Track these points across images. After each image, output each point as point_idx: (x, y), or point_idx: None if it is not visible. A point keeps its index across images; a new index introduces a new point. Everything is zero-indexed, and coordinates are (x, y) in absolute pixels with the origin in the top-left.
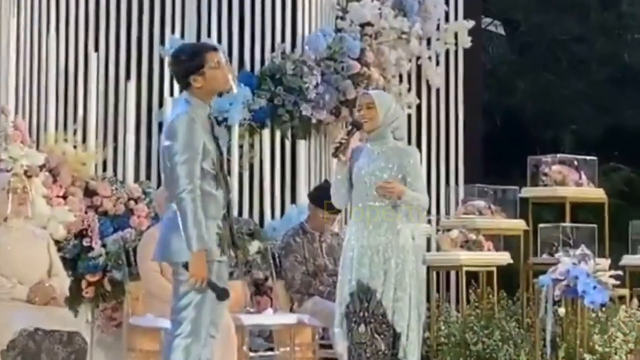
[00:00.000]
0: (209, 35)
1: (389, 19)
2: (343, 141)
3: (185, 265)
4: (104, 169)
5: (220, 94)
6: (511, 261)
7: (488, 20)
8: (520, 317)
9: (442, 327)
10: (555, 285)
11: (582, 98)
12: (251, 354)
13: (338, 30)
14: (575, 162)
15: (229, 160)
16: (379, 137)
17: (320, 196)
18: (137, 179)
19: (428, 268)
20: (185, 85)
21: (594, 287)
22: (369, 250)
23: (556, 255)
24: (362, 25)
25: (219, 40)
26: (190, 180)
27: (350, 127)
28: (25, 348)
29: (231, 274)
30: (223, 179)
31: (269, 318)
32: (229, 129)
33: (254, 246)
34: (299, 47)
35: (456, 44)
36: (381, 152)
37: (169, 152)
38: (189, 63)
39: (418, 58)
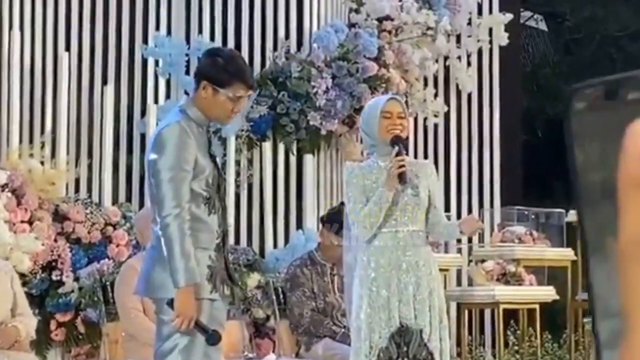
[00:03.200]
0: (200, 32)
1: (412, 13)
2: (404, 166)
3: (170, 303)
4: (77, 190)
5: None
6: (557, 297)
7: (528, 14)
8: None
9: None
10: None
11: None
12: None
13: (352, 25)
14: None
15: (224, 180)
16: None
17: (335, 219)
18: (115, 201)
19: (459, 305)
20: (196, 86)
21: None
22: (410, 284)
23: None
24: (380, 20)
25: (212, 38)
26: (177, 202)
27: (396, 148)
28: None
29: (227, 312)
30: (220, 203)
31: None
32: (223, 141)
33: (254, 279)
34: (306, 45)
35: (490, 42)
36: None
37: (154, 167)
38: (216, 71)
39: (446, 58)
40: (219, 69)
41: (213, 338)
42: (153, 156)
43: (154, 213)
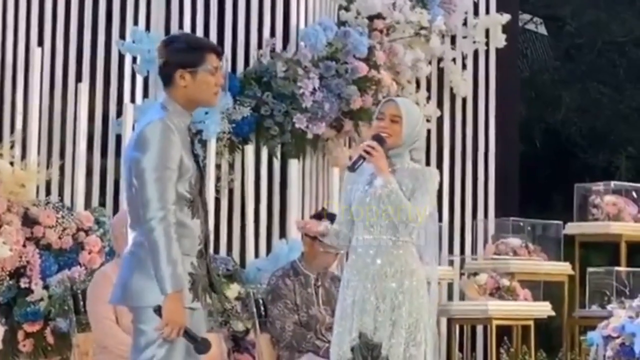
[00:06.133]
0: (180, 27)
1: (405, 11)
2: (365, 155)
3: (158, 310)
4: (48, 192)
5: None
6: (553, 313)
7: (527, 16)
8: None
9: None
10: (607, 344)
11: None
12: None
13: (341, 23)
14: (634, 193)
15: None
16: (392, 157)
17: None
18: (88, 205)
19: (449, 321)
20: (168, 81)
21: None
22: (372, 295)
23: (608, 307)
24: (371, 18)
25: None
26: (162, 205)
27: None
28: None
29: None
30: (202, 206)
31: None
32: (204, 144)
33: (233, 290)
34: (293, 43)
35: (487, 44)
36: (375, 178)
37: (137, 167)
38: (184, 55)
39: (440, 60)
40: (186, 52)
41: (202, 346)
42: (136, 155)
43: (133, 217)
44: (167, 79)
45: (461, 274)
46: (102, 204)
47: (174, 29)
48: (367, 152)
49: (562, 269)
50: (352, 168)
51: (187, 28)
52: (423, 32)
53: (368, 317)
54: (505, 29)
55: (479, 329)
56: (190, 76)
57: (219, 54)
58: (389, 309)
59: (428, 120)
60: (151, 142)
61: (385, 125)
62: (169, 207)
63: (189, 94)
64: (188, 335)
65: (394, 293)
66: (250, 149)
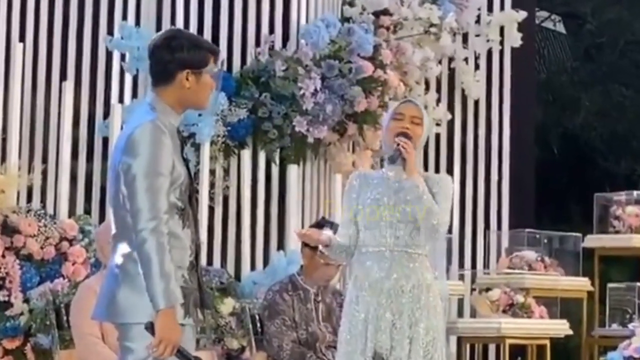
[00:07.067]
0: (172, 22)
1: (413, 7)
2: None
3: (151, 328)
4: (29, 199)
5: None
6: (570, 332)
7: (544, 14)
8: None
9: None
10: None
11: None
12: None
13: (345, 19)
14: None
15: (196, 191)
16: (402, 163)
17: None
18: (72, 213)
19: (460, 339)
20: (167, 80)
21: None
22: (388, 311)
23: (630, 326)
24: (377, 14)
25: (186, 29)
26: (154, 214)
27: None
28: None
29: (197, 342)
30: (192, 215)
31: None
32: (197, 148)
33: (228, 305)
34: (293, 40)
35: (502, 43)
36: (403, 180)
37: (127, 174)
38: (191, 54)
39: (451, 59)
40: (192, 51)
41: None
42: (126, 161)
43: (119, 227)
44: (167, 78)
45: (472, 289)
46: (88, 211)
47: (166, 24)
48: (404, 148)
49: (580, 284)
50: (394, 160)
51: (179, 23)
52: (433, 29)
53: (384, 334)
54: (521, 26)
55: (491, 348)
56: (194, 77)
57: (217, 56)
58: (406, 326)
59: (438, 124)
60: (142, 147)
61: (407, 126)
62: (162, 217)
63: (187, 96)
64: (181, 354)
65: (411, 309)
66: (246, 153)
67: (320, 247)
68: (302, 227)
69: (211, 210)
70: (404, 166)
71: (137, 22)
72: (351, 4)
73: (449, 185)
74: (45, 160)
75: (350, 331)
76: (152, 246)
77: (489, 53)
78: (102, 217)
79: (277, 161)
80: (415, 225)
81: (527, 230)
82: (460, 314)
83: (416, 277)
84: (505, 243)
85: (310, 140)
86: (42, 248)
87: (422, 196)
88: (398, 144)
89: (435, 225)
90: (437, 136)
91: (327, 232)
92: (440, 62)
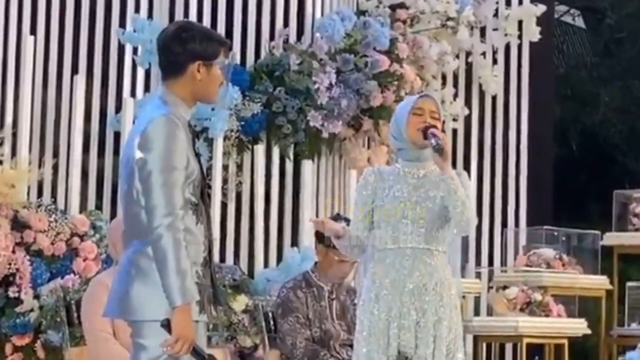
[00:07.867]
0: (185, 15)
1: (430, 0)
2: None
3: (167, 325)
4: (40, 194)
5: None
6: (589, 331)
7: (564, 8)
8: None
9: None
10: None
11: None
12: None
13: (361, 13)
14: None
15: (209, 187)
16: (419, 159)
17: None
18: (83, 208)
19: (476, 338)
20: (178, 72)
21: None
22: (412, 309)
23: None
24: (394, 8)
25: (199, 22)
26: (170, 210)
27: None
28: None
29: (209, 339)
30: (205, 211)
31: None
32: (210, 143)
33: (240, 303)
34: (308, 34)
35: (520, 37)
36: (421, 176)
37: (142, 169)
38: (204, 45)
39: (468, 54)
40: (205, 43)
41: None
42: (140, 156)
43: (129, 223)
44: (178, 70)
45: (489, 288)
46: (99, 207)
47: (179, 17)
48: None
49: (599, 283)
50: (439, 149)
51: (192, 16)
52: (450, 23)
53: (408, 333)
54: (540, 21)
55: (508, 347)
56: (206, 69)
57: (228, 48)
58: (430, 324)
59: (455, 120)
60: (156, 141)
61: (428, 120)
62: (177, 213)
63: (198, 88)
64: (195, 351)
65: (435, 307)
66: (260, 148)
67: (332, 237)
68: None
69: (224, 206)
70: (442, 158)
71: (150, 15)
72: None
73: (467, 181)
74: (56, 154)
75: (370, 330)
76: (168, 242)
77: (507, 47)
78: (113, 212)
79: (292, 156)
80: (439, 222)
81: (545, 227)
82: (476, 312)
83: (438, 275)
84: (522, 241)
85: (325, 135)
86: (52, 244)
87: (457, 191)
88: (434, 135)
89: (470, 219)
90: (454, 132)
91: (342, 224)
92: (457, 56)
